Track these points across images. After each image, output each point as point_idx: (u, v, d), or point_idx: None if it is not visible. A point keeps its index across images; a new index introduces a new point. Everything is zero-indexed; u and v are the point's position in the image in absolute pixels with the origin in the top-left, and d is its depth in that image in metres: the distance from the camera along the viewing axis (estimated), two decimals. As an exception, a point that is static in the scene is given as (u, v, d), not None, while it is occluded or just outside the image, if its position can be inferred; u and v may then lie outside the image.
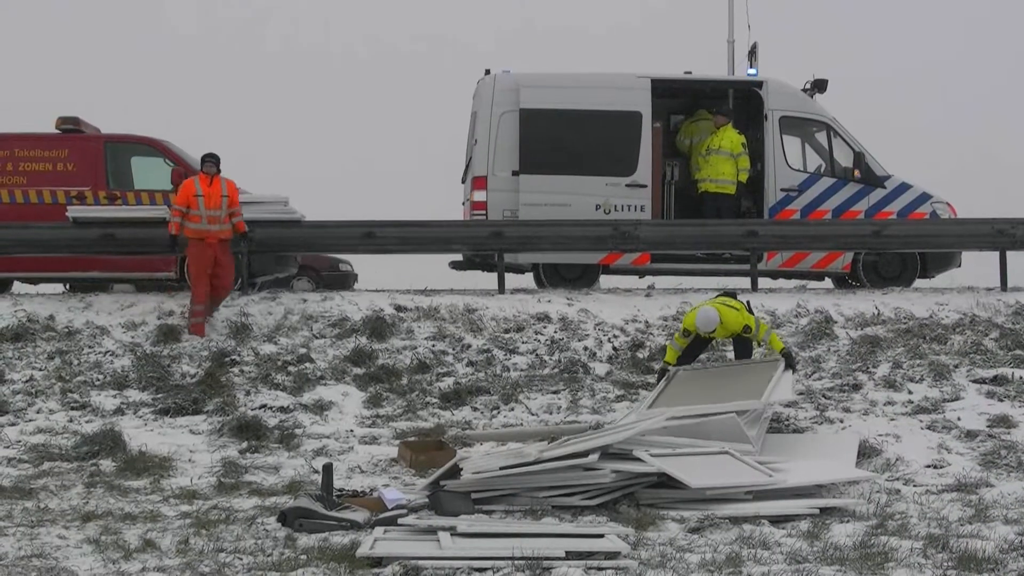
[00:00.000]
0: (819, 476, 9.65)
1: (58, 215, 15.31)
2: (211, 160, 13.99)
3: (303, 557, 7.74)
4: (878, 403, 12.08)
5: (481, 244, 15.67)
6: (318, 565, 7.51)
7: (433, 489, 9.38)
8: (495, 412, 12.28)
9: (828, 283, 16.99)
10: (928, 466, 10.53)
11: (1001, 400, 12.06)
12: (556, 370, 13.05)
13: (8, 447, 11.15)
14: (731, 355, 12.62)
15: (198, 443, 11.35)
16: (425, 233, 15.67)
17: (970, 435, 11.23)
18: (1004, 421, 11.48)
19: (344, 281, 19.05)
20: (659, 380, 11.98)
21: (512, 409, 12.32)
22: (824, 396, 12.28)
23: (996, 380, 12.46)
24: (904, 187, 16.40)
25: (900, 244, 15.92)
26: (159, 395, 12.37)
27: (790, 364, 11.65)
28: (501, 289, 15.44)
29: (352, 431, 11.73)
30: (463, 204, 17.28)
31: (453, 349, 13.48)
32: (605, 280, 16.70)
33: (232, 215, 14.02)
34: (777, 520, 8.72)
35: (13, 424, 11.74)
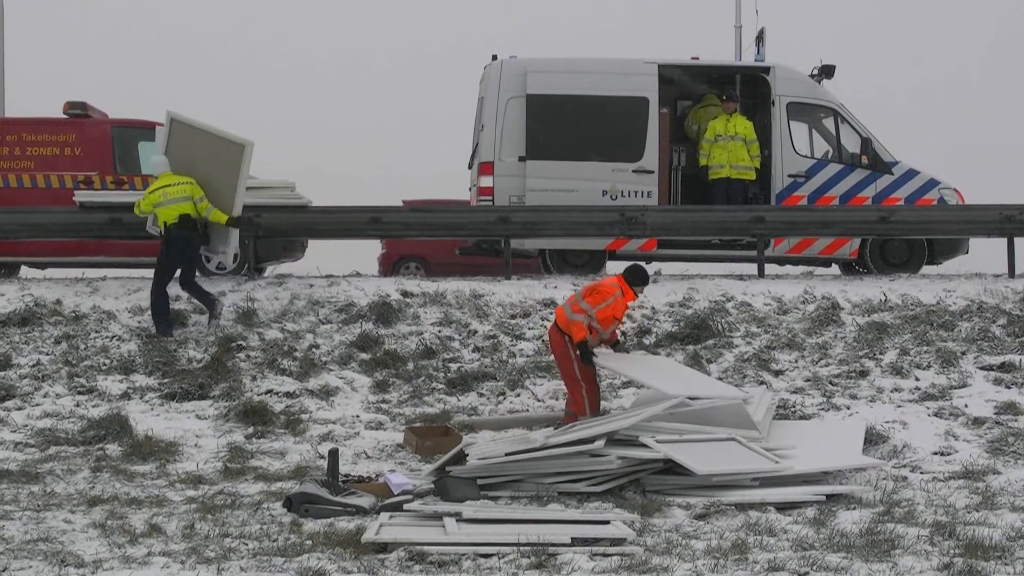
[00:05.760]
0: (825, 463, 9.64)
1: (65, 199, 15.31)
2: (643, 282, 11.61)
3: (308, 542, 7.75)
4: (885, 390, 12.06)
5: (487, 230, 15.63)
6: (323, 550, 7.51)
7: (439, 475, 9.39)
8: (501, 398, 12.28)
9: (835, 269, 16.95)
10: (935, 453, 10.52)
11: (1008, 387, 12.03)
12: (562, 356, 13.01)
13: (15, 431, 11.19)
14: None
15: (204, 428, 11.37)
16: (431, 219, 15.63)
17: (977, 422, 11.21)
18: (1011, 408, 11.46)
19: None
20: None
21: (518, 395, 12.32)
22: (831, 383, 12.25)
23: (1003, 367, 12.42)
24: (912, 173, 16.34)
25: (907, 230, 15.87)
26: (165, 380, 12.38)
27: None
28: (508, 275, 15.42)
29: (358, 416, 11.74)
30: (470, 190, 17.25)
31: (459, 335, 13.46)
32: (612, 266, 16.66)
33: None
34: (783, 507, 8.72)
35: (20, 408, 11.76)
